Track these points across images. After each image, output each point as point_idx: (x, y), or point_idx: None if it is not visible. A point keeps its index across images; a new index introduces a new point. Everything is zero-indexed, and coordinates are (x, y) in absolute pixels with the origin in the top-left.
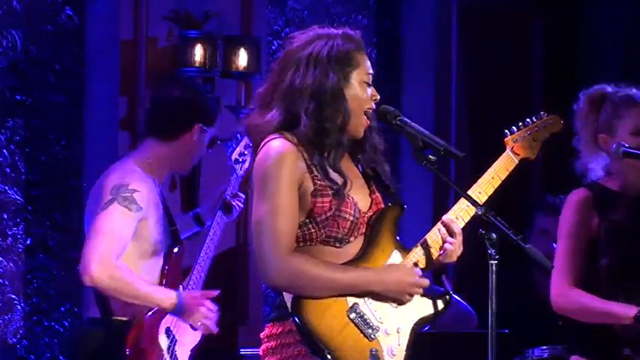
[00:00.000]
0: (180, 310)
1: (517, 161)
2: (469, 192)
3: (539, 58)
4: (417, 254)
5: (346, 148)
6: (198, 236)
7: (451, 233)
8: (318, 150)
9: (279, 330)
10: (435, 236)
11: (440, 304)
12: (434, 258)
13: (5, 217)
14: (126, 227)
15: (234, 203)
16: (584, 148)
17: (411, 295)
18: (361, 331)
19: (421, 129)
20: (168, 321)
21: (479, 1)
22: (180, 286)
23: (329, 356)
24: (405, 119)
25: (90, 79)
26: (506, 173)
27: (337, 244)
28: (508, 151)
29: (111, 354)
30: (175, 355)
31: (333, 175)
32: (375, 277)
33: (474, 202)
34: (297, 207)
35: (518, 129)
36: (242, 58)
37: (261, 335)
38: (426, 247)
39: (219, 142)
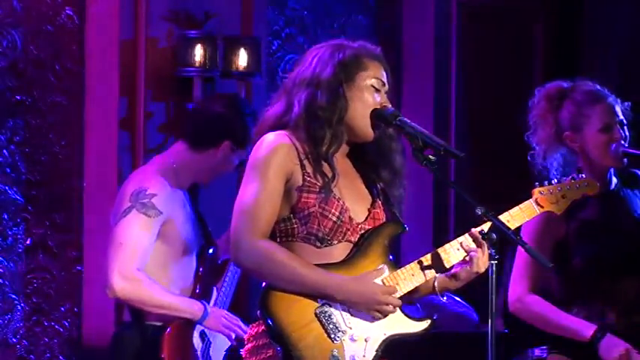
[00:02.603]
0: (206, 321)
1: (539, 212)
2: (479, 228)
3: (539, 58)
4: (417, 266)
5: (341, 144)
6: None
7: (479, 244)
8: (313, 140)
9: (255, 331)
10: (451, 248)
11: (419, 327)
12: (440, 271)
13: (5, 217)
14: (146, 235)
15: None
16: (542, 145)
17: (381, 313)
18: (325, 331)
19: (421, 129)
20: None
21: (479, 1)
22: (215, 289)
23: (290, 351)
24: (405, 119)
25: (90, 79)
26: (523, 221)
27: (318, 244)
28: (532, 200)
29: (147, 359)
30: (210, 357)
31: (325, 167)
32: (341, 284)
33: (473, 202)
34: (280, 197)
35: (550, 184)
36: (242, 58)
37: (244, 337)
38: (432, 261)
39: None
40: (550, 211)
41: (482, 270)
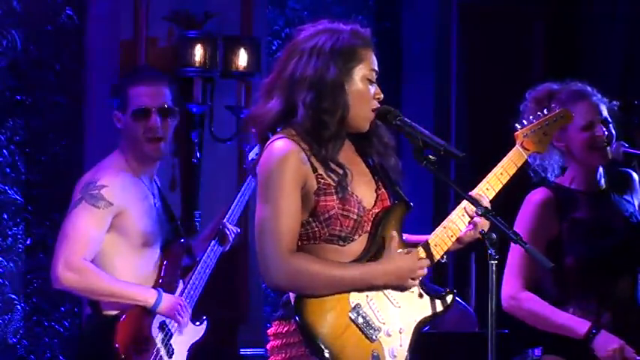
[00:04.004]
0: (159, 307)
1: (526, 156)
2: (476, 188)
3: (539, 59)
4: (434, 239)
5: (344, 140)
6: None
7: (479, 207)
8: (316, 142)
9: (285, 329)
10: (457, 217)
11: (443, 303)
12: (450, 243)
13: (5, 217)
14: (93, 226)
15: (227, 232)
16: None
17: (417, 278)
18: (363, 333)
19: (421, 129)
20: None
21: (479, 2)
22: (181, 281)
23: (330, 358)
24: (405, 119)
25: (90, 79)
26: (515, 169)
27: (341, 243)
28: (518, 146)
29: (102, 349)
30: (172, 348)
31: (334, 167)
32: (378, 270)
33: (473, 202)
34: (300, 208)
35: (529, 122)
36: (242, 58)
37: (268, 332)
38: (443, 235)
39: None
40: (537, 152)
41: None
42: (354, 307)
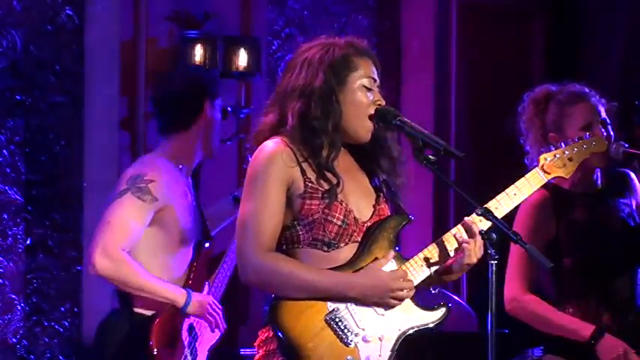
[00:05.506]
0: (189, 307)
1: (546, 180)
2: (487, 205)
3: (539, 58)
4: (423, 257)
5: (339, 150)
6: None
7: (471, 234)
8: (310, 150)
9: (265, 336)
10: (448, 240)
11: (433, 316)
12: (443, 262)
13: (5, 217)
14: (136, 218)
15: None
16: (533, 148)
17: (398, 300)
18: (338, 336)
19: (421, 129)
20: (192, 317)
21: (479, 1)
22: (206, 284)
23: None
24: (405, 119)
25: (90, 79)
26: (531, 191)
27: (325, 248)
28: (537, 168)
29: (134, 347)
30: (196, 351)
31: (328, 175)
32: (352, 281)
33: (473, 202)
34: (283, 207)
35: (556, 148)
36: (242, 58)
37: (255, 344)
38: (435, 251)
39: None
40: (559, 176)
41: (474, 261)
42: (332, 311)
